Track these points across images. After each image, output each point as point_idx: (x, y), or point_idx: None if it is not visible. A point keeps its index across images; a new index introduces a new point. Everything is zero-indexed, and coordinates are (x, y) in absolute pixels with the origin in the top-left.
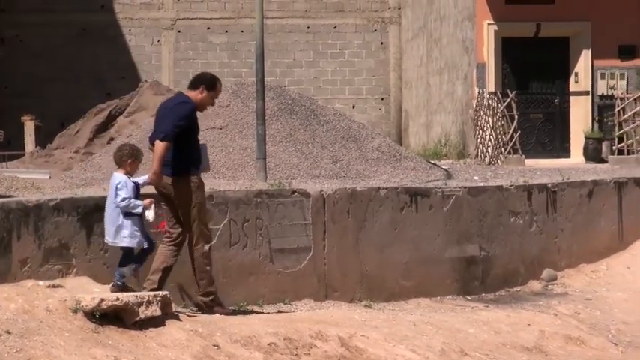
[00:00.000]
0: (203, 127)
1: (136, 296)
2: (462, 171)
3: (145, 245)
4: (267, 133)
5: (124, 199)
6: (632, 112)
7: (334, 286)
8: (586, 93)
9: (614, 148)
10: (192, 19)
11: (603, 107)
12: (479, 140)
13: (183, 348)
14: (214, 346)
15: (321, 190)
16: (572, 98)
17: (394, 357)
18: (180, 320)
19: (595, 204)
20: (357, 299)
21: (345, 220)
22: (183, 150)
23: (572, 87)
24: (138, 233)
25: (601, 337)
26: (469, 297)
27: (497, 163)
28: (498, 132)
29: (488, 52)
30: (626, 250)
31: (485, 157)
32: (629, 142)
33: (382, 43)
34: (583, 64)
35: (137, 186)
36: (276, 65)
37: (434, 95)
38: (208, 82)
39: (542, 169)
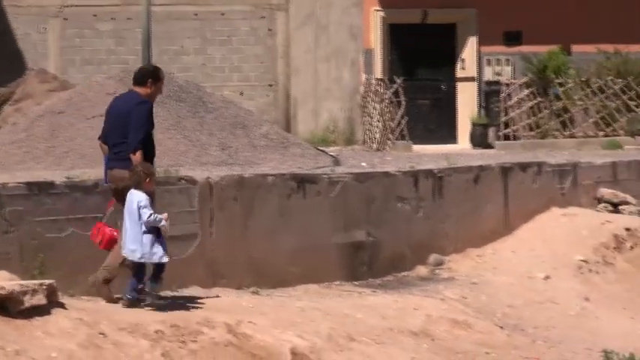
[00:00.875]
0: (89, 116)
1: (21, 285)
2: (349, 157)
3: (165, 259)
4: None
5: (150, 215)
6: (518, 97)
7: (222, 273)
8: (472, 79)
9: (500, 133)
10: (78, 6)
11: (489, 93)
12: (366, 126)
13: (69, 336)
14: (100, 334)
15: (208, 177)
16: (458, 84)
17: (282, 343)
18: (66, 309)
19: (481, 189)
20: (245, 286)
21: (232, 206)
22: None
23: (459, 73)
24: (161, 247)
25: (487, 321)
26: (357, 282)
27: (385, 149)
28: (386, 118)
29: (375, 39)
30: (512, 234)
31: (373, 143)
32: (514, 127)
33: (270, 30)
34: (469, 50)
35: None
36: (164, 52)
37: (322, 82)
38: (153, 75)
39: (430, 154)
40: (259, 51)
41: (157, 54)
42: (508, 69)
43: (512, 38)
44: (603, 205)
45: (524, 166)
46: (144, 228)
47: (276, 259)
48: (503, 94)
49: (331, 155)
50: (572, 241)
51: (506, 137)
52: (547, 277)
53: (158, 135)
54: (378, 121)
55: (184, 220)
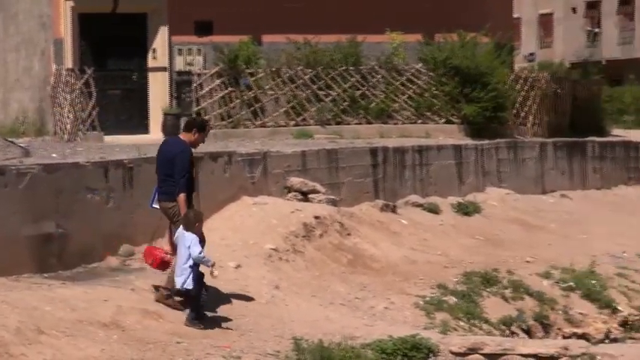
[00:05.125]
0: None
1: None
2: (40, 148)
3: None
4: None
5: (200, 253)
6: (210, 87)
7: None
8: (164, 69)
9: None
10: None
11: (181, 83)
12: (57, 117)
13: None
14: None
15: None
16: (150, 74)
17: None
18: None
19: None
20: None
21: None
22: None
23: (151, 63)
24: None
25: (178, 311)
26: (46, 275)
27: (77, 140)
28: (77, 109)
29: (65, 29)
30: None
31: (64, 134)
32: (206, 117)
33: None
34: (161, 40)
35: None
36: None
37: (11, 72)
38: (198, 126)
39: (122, 145)
40: None
41: None
42: (199, 59)
43: (203, 28)
44: (293, 193)
45: (214, 156)
46: (190, 262)
47: None
48: (194, 84)
49: (21, 146)
50: (263, 230)
51: None
52: (238, 266)
53: None
54: (69, 112)
55: None
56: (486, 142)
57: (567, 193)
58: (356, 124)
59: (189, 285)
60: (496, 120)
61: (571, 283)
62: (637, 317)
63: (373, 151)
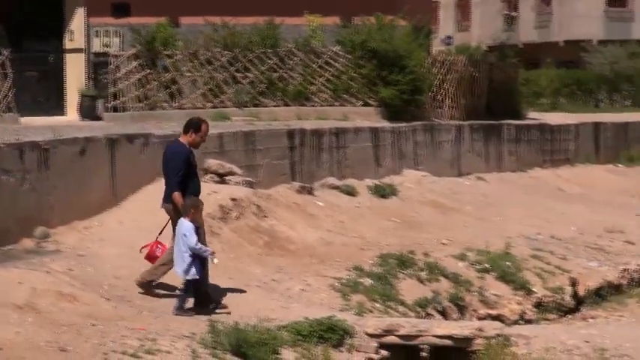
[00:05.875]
0: None
1: None
2: None
3: (190, 277)
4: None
5: (196, 243)
6: (127, 69)
7: None
8: (81, 50)
9: (108, 105)
10: None
11: (98, 65)
12: None
13: None
14: None
15: None
16: (67, 56)
17: None
18: None
19: (88, 161)
20: None
21: None
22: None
23: (67, 45)
24: (197, 269)
25: (93, 293)
26: None
27: None
28: None
29: None
30: (119, 205)
31: None
32: (123, 99)
33: None
34: (78, 21)
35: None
36: None
37: None
38: (194, 126)
39: (38, 127)
40: None
41: None
42: (116, 40)
43: (121, 10)
44: (210, 175)
45: (130, 138)
46: (188, 251)
47: None
48: (111, 66)
49: None
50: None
51: (115, 109)
52: None
53: None
54: None
55: None
56: (403, 124)
57: (483, 176)
58: (273, 106)
59: (195, 275)
60: (413, 103)
61: (486, 265)
62: (551, 298)
63: (290, 134)
